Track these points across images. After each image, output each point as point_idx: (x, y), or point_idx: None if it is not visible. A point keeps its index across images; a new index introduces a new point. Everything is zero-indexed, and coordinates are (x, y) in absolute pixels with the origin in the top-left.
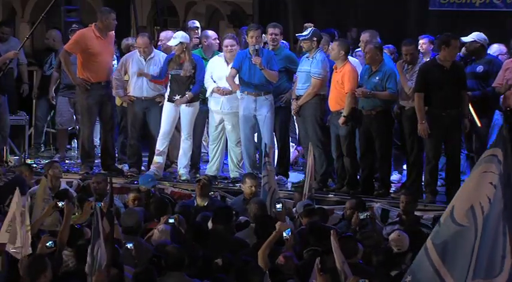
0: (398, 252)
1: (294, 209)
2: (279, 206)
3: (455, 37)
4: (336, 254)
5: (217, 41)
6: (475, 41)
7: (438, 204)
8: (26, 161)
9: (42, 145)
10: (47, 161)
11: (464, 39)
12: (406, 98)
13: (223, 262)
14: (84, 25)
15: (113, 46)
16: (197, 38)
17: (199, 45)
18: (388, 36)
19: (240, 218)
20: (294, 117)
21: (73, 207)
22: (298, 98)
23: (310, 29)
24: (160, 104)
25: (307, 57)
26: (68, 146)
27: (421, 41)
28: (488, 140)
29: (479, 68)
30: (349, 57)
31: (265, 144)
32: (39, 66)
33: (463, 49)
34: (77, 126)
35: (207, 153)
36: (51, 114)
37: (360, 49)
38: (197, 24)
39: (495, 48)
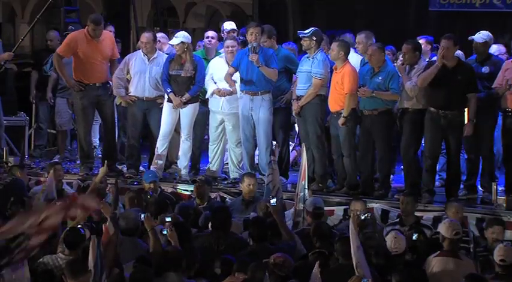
0: (396, 254)
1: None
2: (273, 201)
3: (445, 37)
4: (352, 238)
5: (217, 42)
6: (486, 41)
7: (437, 204)
8: (23, 162)
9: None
10: (48, 162)
11: (476, 38)
12: (409, 98)
13: (222, 266)
14: (83, 26)
15: (108, 49)
16: (236, 39)
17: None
18: (388, 37)
19: (252, 214)
20: (294, 118)
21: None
22: (299, 98)
23: (311, 28)
24: (160, 106)
25: (307, 58)
26: (69, 147)
27: (419, 42)
28: (493, 141)
29: (485, 69)
30: (353, 54)
31: (272, 143)
32: (36, 67)
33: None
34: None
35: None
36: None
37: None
38: (234, 26)
39: (494, 49)
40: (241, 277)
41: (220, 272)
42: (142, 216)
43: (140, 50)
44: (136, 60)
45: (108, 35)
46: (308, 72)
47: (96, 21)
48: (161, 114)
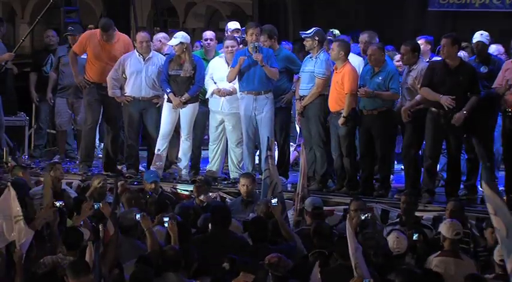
0: (398, 254)
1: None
2: (274, 201)
3: (444, 36)
4: (349, 239)
5: (216, 43)
6: (483, 41)
7: (437, 204)
8: (21, 162)
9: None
10: (48, 162)
11: (479, 38)
12: (410, 98)
13: (230, 264)
14: (83, 26)
15: (119, 52)
16: (238, 38)
17: (240, 46)
18: (388, 37)
19: (250, 214)
20: (295, 118)
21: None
22: (302, 98)
23: (313, 28)
24: (157, 105)
25: (310, 58)
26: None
27: (419, 42)
28: (493, 141)
29: (484, 69)
30: (353, 55)
31: (268, 137)
32: (36, 68)
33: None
34: (76, 127)
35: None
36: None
37: None
38: (238, 25)
39: (493, 49)
40: (250, 276)
41: (229, 269)
42: (138, 216)
43: (135, 50)
44: (131, 60)
45: (124, 38)
46: (311, 72)
47: (104, 27)
48: (158, 114)
